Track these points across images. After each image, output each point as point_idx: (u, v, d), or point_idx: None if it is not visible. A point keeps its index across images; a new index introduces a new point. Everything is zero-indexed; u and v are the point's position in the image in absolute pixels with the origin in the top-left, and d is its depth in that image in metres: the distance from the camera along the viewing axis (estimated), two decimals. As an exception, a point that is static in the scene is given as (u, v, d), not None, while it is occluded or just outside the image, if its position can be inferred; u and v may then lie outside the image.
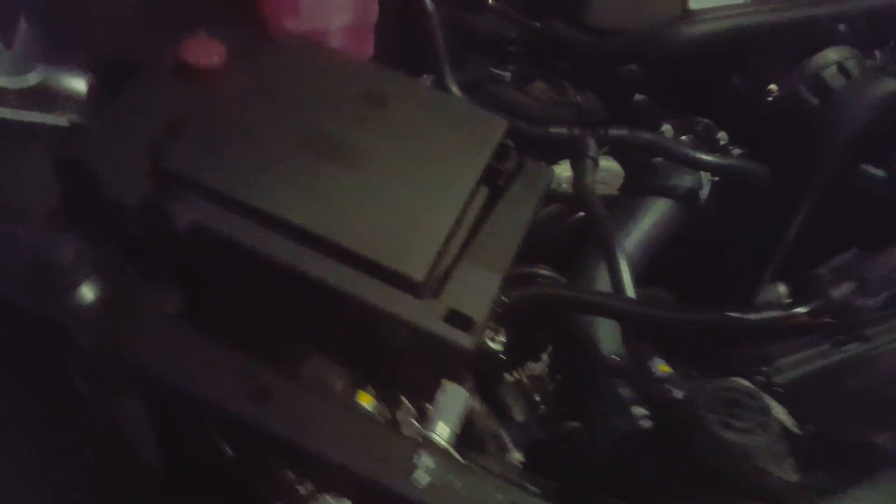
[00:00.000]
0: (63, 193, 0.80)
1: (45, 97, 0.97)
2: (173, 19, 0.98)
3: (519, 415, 0.84)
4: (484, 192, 0.72)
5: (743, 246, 1.01)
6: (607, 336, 0.82)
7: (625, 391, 0.75)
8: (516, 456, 0.77)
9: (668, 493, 0.66)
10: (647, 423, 0.72)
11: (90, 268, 0.57)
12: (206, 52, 0.75)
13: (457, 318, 0.60)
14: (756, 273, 0.98)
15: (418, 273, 0.62)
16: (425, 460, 0.54)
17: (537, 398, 0.87)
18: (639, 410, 0.73)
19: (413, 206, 0.66)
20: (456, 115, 0.75)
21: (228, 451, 0.72)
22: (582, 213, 0.99)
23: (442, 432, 0.57)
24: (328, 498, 0.69)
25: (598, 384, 0.75)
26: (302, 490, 0.69)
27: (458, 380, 0.62)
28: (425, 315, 0.60)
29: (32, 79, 0.97)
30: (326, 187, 0.66)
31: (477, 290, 0.62)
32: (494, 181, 0.72)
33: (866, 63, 0.99)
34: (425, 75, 1.10)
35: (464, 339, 0.59)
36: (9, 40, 0.95)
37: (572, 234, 0.99)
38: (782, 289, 0.99)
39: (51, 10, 0.95)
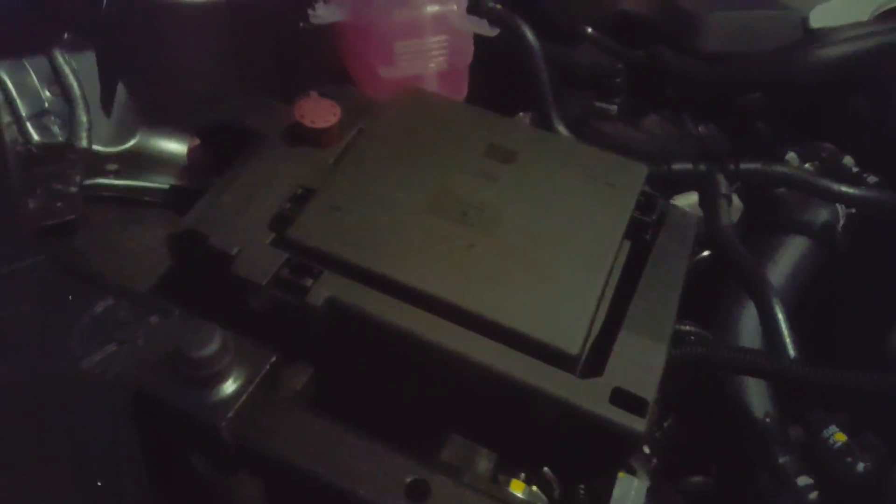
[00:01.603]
0: (175, 267, 0.78)
1: (144, 161, 0.97)
2: (269, 82, 0.98)
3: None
4: (627, 246, 0.66)
5: (880, 285, 0.93)
6: (758, 396, 0.75)
7: (786, 460, 0.68)
8: (660, 525, 0.71)
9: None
10: (814, 497, 0.65)
11: (233, 360, 0.54)
12: (322, 113, 0.72)
13: (625, 399, 0.54)
14: (892, 316, 0.90)
15: (573, 346, 0.56)
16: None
17: (647, 450, 0.80)
18: (805, 481, 0.66)
19: (557, 271, 0.61)
20: (590, 164, 0.70)
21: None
22: (705, 254, 0.93)
23: (622, 531, 0.52)
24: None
25: (760, 453, 0.68)
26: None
27: (623, 463, 0.56)
28: (589, 396, 0.54)
29: (131, 144, 0.97)
30: (463, 254, 0.61)
31: (642, 365, 0.57)
32: (640, 234, 0.66)
33: None
34: (521, 113, 1.06)
35: (637, 424, 0.53)
36: (108, 108, 0.95)
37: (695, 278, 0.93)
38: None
39: (148, 75, 0.95)
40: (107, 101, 0.93)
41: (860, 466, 0.61)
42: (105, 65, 0.92)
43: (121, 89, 0.94)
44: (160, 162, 0.95)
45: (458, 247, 0.62)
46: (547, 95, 0.94)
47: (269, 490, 0.63)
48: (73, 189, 0.85)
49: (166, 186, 0.93)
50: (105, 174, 0.91)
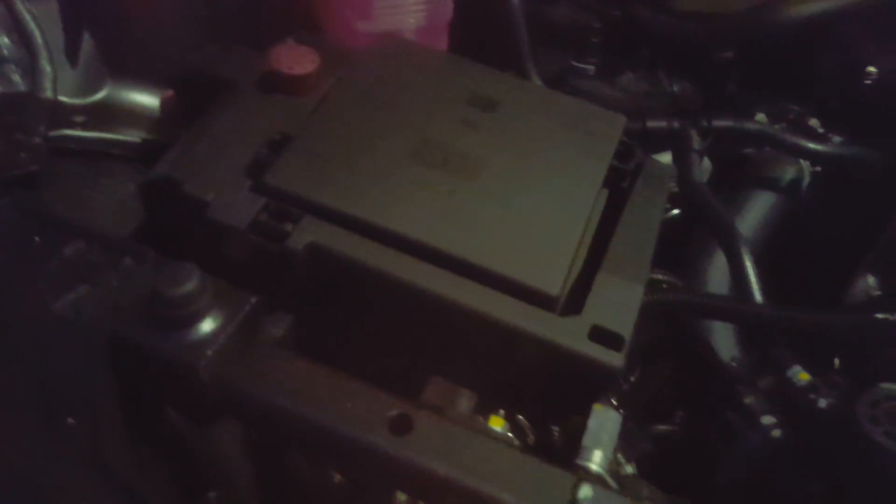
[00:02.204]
0: (147, 219, 0.77)
1: (113, 114, 0.94)
2: (239, 32, 0.96)
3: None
4: (605, 194, 0.67)
5: (840, 236, 0.96)
6: (725, 341, 0.78)
7: (752, 400, 0.70)
8: (629, 469, 0.73)
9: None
10: (778, 434, 0.67)
11: (212, 300, 0.53)
12: (300, 60, 0.71)
13: (604, 336, 0.55)
14: (852, 265, 0.93)
15: (554, 287, 0.57)
16: (584, 491, 0.50)
17: (613, 402, 0.83)
18: (769, 420, 0.68)
19: (538, 216, 0.62)
20: (570, 113, 0.70)
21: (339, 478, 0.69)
22: (676, 211, 0.94)
23: (597, 459, 0.53)
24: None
25: (727, 394, 0.70)
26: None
27: (599, 399, 0.58)
28: (570, 334, 0.55)
29: (99, 96, 0.94)
30: (445, 200, 0.62)
31: (619, 304, 0.58)
32: (618, 182, 0.67)
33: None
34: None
35: (614, 359, 0.54)
36: (73, 58, 0.92)
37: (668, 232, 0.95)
38: (871, 280, 0.94)
39: (114, 26, 0.92)
40: (72, 51, 0.90)
41: (823, 403, 0.63)
42: (69, 12, 0.89)
43: (87, 39, 0.91)
44: (131, 114, 0.93)
45: (439, 192, 0.62)
46: (526, 53, 0.94)
47: (246, 440, 0.63)
48: (37, 140, 0.82)
49: (137, 139, 0.91)
50: (72, 126, 0.88)
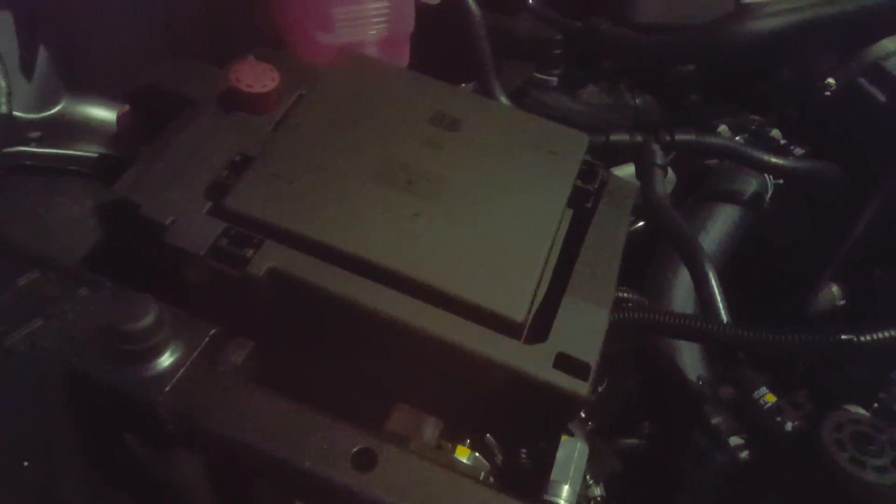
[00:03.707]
0: (104, 241, 0.75)
1: (68, 129, 0.91)
2: (199, 45, 0.94)
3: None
4: (569, 214, 0.67)
5: (803, 248, 0.98)
6: (691, 359, 0.78)
7: (719, 420, 0.70)
8: (597, 492, 0.73)
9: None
10: (745, 455, 0.68)
11: (170, 333, 0.52)
12: (259, 78, 0.69)
13: (569, 364, 0.55)
14: (815, 277, 0.94)
15: (519, 314, 0.57)
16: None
17: (582, 414, 0.83)
18: (736, 440, 0.69)
19: (502, 238, 0.61)
20: (533, 133, 0.70)
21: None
22: (640, 224, 0.95)
23: (565, 495, 0.53)
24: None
25: (694, 414, 0.71)
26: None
27: (563, 427, 0.58)
28: (534, 361, 0.55)
29: (54, 111, 0.92)
30: (408, 223, 0.61)
31: (585, 329, 0.58)
32: (582, 202, 0.67)
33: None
34: (464, 84, 1.05)
35: (579, 387, 0.54)
36: (28, 72, 0.89)
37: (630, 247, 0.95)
38: (836, 290, 0.96)
39: (70, 39, 0.89)
40: (27, 64, 0.88)
41: (789, 426, 0.64)
42: (23, 25, 0.87)
43: (42, 52, 0.89)
44: (87, 129, 0.90)
45: (403, 215, 0.61)
46: (488, 66, 0.93)
47: (208, 467, 0.62)
48: (-9, 157, 0.80)
49: (94, 155, 0.88)
50: (27, 142, 0.86)
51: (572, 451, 0.54)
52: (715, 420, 0.69)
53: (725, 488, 0.69)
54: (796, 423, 0.64)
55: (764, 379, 0.68)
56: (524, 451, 0.65)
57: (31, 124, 0.88)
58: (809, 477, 0.60)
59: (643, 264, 0.89)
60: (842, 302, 0.96)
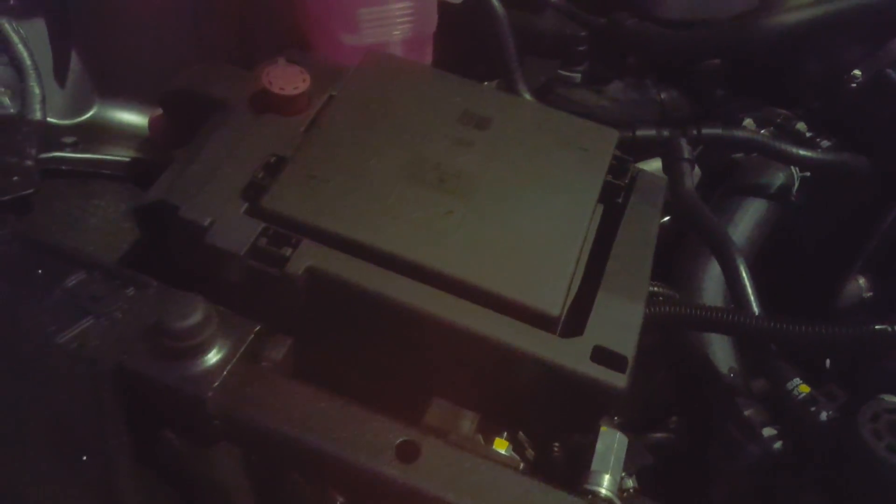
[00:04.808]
0: (141, 242, 0.76)
1: (102, 133, 0.93)
2: (226, 49, 0.95)
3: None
4: (600, 209, 0.68)
5: (831, 241, 0.97)
6: (722, 352, 0.78)
7: (751, 412, 0.71)
8: (630, 483, 0.74)
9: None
10: (779, 446, 0.68)
11: (216, 330, 0.53)
12: (290, 80, 0.70)
13: (607, 357, 0.56)
14: (843, 269, 0.94)
15: (554, 308, 0.58)
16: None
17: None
18: (769, 432, 0.69)
19: (535, 234, 0.62)
20: (563, 129, 0.70)
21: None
22: (666, 219, 0.95)
23: (606, 484, 0.53)
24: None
25: (726, 406, 0.71)
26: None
27: (603, 419, 0.58)
28: (572, 355, 0.56)
29: (87, 116, 0.94)
30: (442, 221, 0.62)
31: (621, 323, 0.58)
32: (612, 198, 0.68)
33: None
34: (486, 83, 1.06)
35: (618, 380, 0.55)
36: (61, 79, 0.91)
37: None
38: (862, 282, 0.95)
39: (102, 44, 0.91)
40: (60, 71, 0.90)
41: (823, 416, 0.64)
42: (56, 32, 0.88)
43: (75, 58, 0.90)
44: (120, 134, 0.92)
45: (436, 213, 0.62)
46: (513, 63, 0.94)
47: (247, 461, 0.63)
48: (29, 163, 0.82)
49: (127, 159, 0.90)
50: (62, 147, 0.88)
51: (612, 442, 0.55)
52: (747, 412, 0.69)
53: (759, 480, 0.69)
54: (831, 413, 0.64)
55: (797, 371, 0.68)
56: (556, 445, 0.66)
57: (66, 130, 0.91)
58: (845, 467, 0.60)
59: (670, 259, 0.90)
60: (869, 294, 0.96)
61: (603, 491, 0.53)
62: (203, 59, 0.92)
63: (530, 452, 0.66)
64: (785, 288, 0.91)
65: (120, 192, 0.89)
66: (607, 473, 0.54)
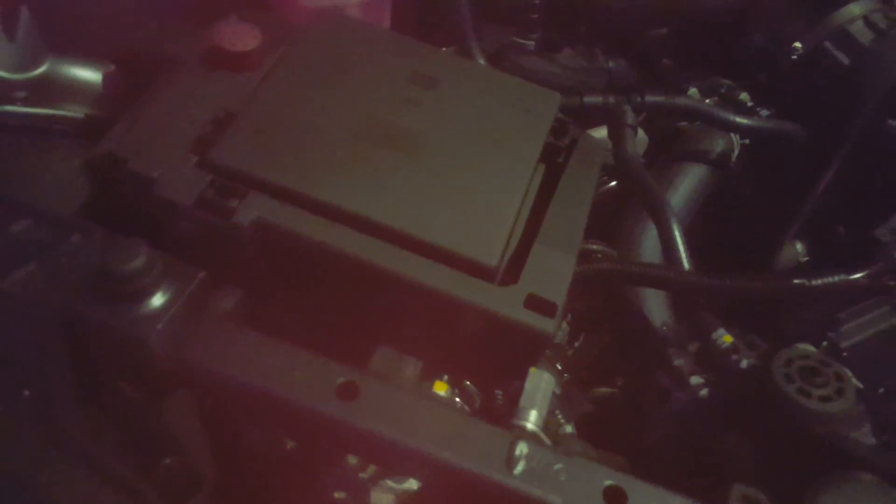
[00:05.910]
0: (92, 197, 0.77)
1: (54, 89, 0.93)
2: (182, 7, 0.95)
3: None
4: (541, 169, 0.70)
5: (769, 206, 1.02)
6: (657, 307, 0.82)
7: (681, 362, 0.75)
8: (568, 429, 0.78)
9: (740, 462, 0.67)
10: (705, 393, 0.72)
11: (160, 275, 0.55)
12: (242, 37, 0.71)
13: (538, 304, 0.59)
14: (780, 233, 0.99)
15: (492, 259, 0.61)
16: (520, 447, 0.54)
17: (559, 367, 0.87)
18: (696, 380, 0.73)
19: (477, 190, 0.65)
20: (508, 91, 0.73)
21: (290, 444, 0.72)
22: (613, 183, 0.98)
23: (533, 419, 0.57)
24: (389, 481, 0.69)
25: (658, 357, 0.75)
26: (363, 475, 0.69)
27: (535, 363, 0.61)
28: (506, 302, 0.59)
29: (39, 71, 0.93)
30: (388, 176, 0.64)
31: (553, 273, 0.61)
32: (553, 158, 0.70)
33: (892, 15, 0.99)
34: (444, 49, 1.07)
35: (548, 325, 0.58)
36: (12, 32, 0.90)
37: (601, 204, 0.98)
38: (799, 247, 1.00)
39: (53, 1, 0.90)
40: (9, 25, 0.89)
41: (744, 363, 0.69)
42: (5, -15, 0.87)
43: (25, 12, 0.89)
44: (73, 90, 0.91)
45: (382, 169, 0.64)
46: (468, 30, 0.95)
47: (198, 408, 0.65)
48: (-25, 116, 0.82)
49: (80, 115, 0.90)
50: (12, 102, 0.87)
51: (539, 381, 0.58)
52: (677, 361, 0.73)
53: (687, 424, 0.74)
54: (751, 360, 0.68)
55: (721, 323, 0.72)
56: (500, 393, 0.69)
57: (16, 84, 0.89)
58: (763, 409, 0.64)
59: (616, 222, 0.93)
60: (806, 258, 1.01)
61: (529, 425, 0.56)
62: (159, 16, 0.92)
63: (477, 402, 0.69)
64: (728, 252, 0.95)
65: (73, 148, 0.88)
66: (534, 409, 0.57)
